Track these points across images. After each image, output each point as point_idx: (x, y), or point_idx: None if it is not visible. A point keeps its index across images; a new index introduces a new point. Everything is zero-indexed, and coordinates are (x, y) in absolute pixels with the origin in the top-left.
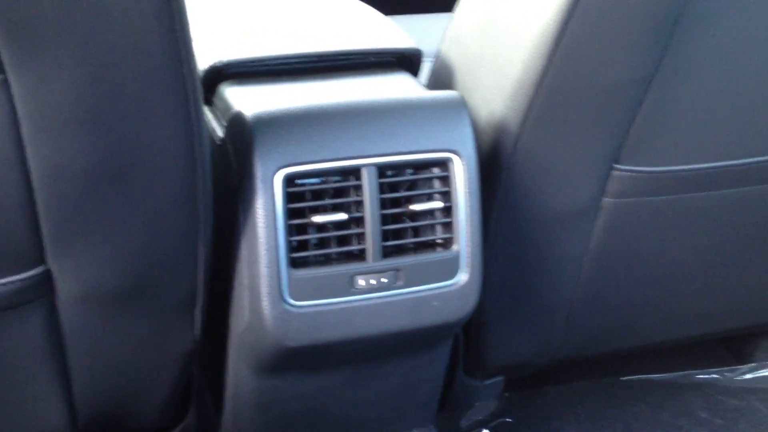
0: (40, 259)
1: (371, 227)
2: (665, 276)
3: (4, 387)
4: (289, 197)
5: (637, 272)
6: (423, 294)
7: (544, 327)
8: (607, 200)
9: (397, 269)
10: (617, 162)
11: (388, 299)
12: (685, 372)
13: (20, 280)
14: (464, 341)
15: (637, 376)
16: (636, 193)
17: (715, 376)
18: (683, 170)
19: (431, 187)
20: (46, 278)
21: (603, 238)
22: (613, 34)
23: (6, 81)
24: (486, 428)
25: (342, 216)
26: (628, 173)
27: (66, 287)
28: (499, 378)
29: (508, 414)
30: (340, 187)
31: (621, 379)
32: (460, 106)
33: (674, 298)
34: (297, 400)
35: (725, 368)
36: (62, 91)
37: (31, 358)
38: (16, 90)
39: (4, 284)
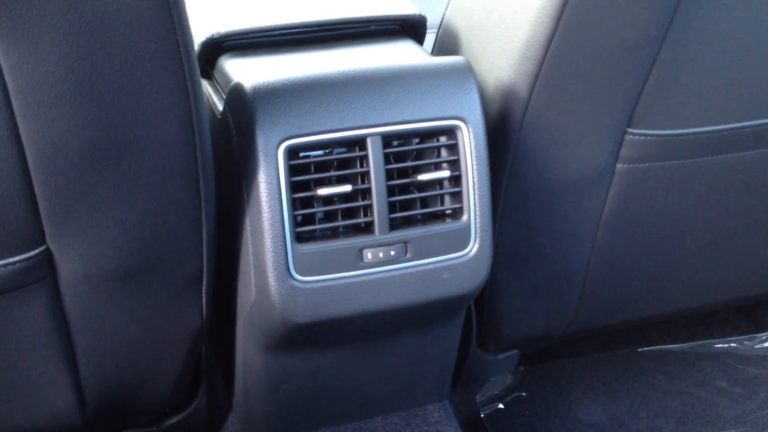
0: (40, 240)
1: (378, 199)
2: (681, 242)
3: (11, 370)
4: (293, 170)
5: (652, 239)
6: (433, 266)
7: (559, 298)
8: (620, 166)
9: (405, 241)
10: (630, 126)
11: (397, 272)
12: (703, 341)
13: (20, 261)
14: (477, 314)
15: (653, 347)
16: (650, 158)
17: (733, 344)
18: (697, 133)
19: (438, 156)
20: (47, 259)
21: (617, 205)
22: None
23: None
24: (501, 403)
25: (347, 188)
26: (642, 137)
27: (68, 267)
28: (513, 351)
29: (524, 388)
30: (344, 158)
31: (637, 350)
32: (467, 71)
33: (690, 265)
34: (307, 378)
35: (744, 336)
36: (52, 64)
37: (36, 341)
38: (5, 63)
39: (4, 265)
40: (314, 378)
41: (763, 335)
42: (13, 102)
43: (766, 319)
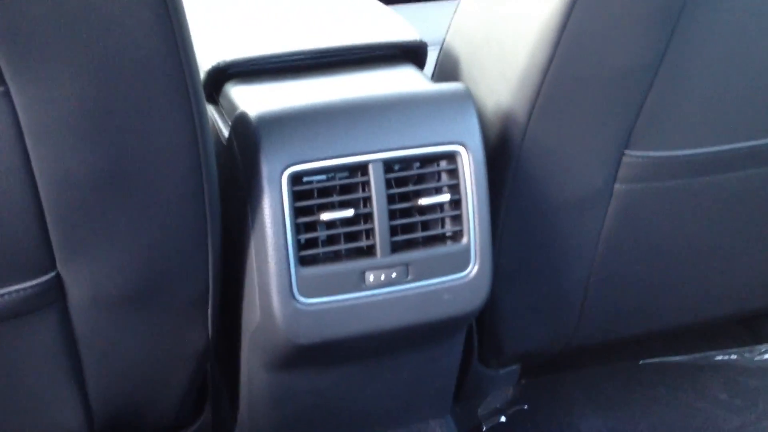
0: (51, 265)
1: (379, 222)
2: (679, 260)
3: (20, 391)
4: (297, 195)
5: (651, 257)
6: (433, 287)
7: (559, 315)
8: (618, 186)
9: (406, 263)
10: (628, 147)
11: (399, 294)
12: (704, 353)
13: (32, 287)
14: (478, 331)
15: (654, 359)
16: (648, 178)
17: (733, 356)
18: (695, 154)
19: (439, 180)
20: (57, 284)
21: (616, 224)
22: (618, 21)
23: (8, 92)
24: (503, 416)
25: (350, 212)
26: (640, 159)
27: (77, 292)
28: (514, 366)
29: (525, 401)
30: (347, 183)
31: (638, 362)
32: (466, 97)
33: (689, 282)
34: (311, 396)
35: (744, 348)
36: (64, 101)
37: (46, 362)
38: (18, 101)
39: (16, 291)
40: (318, 396)
41: (763, 347)
42: (26, 137)
43: (766, 331)
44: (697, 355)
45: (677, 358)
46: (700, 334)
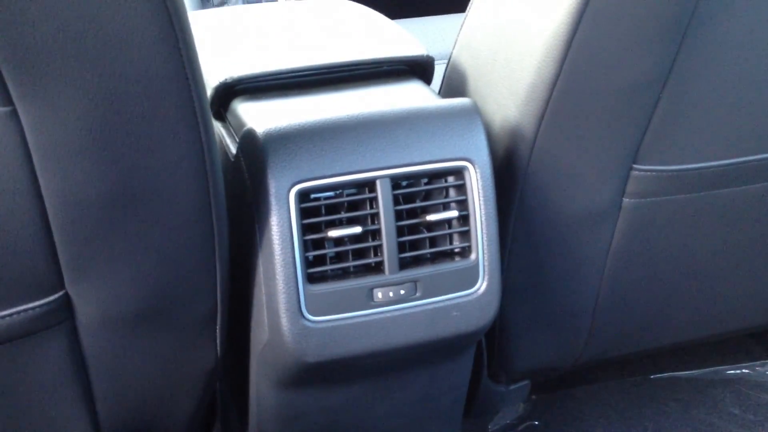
0: (59, 285)
1: (387, 239)
2: (689, 274)
3: (29, 410)
4: (304, 212)
5: (660, 272)
6: (442, 304)
7: (568, 331)
8: (627, 201)
9: (415, 280)
10: (636, 162)
11: (407, 311)
12: (715, 368)
13: (40, 306)
14: (487, 347)
15: (665, 374)
16: (656, 193)
17: (745, 370)
18: (703, 168)
19: (447, 196)
20: (66, 303)
21: (624, 239)
22: (625, 37)
23: (15, 112)
24: None
25: (357, 229)
26: (648, 173)
27: (85, 311)
28: (524, 382)
29: (536, 417)
30: (354, 200)
31: (649, 377)
32: (473, 113)
33: (699, 296)
34: (320, 414)
35: (755, 363)
36: (71, 121)
37: (55, 381)
38: (25, 121)
39: (25, 310)
40: (327, 414)
41: None
42: (34, 157)
43: None
44: (709, 370)
45: (688, 373)
46: (711, 349)
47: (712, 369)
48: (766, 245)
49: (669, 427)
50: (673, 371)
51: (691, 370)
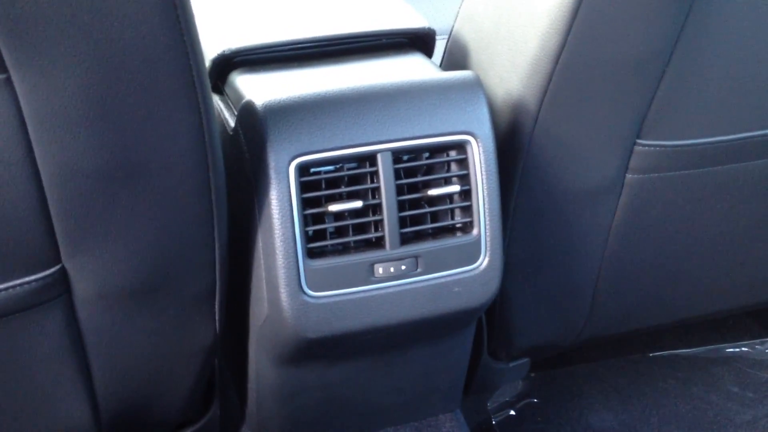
0: (56, 259)
1: (388, 214)
2: (691, 251)
3: (27, 386)
4: (304, 186)
5: (662, 248)
6: (443, 280)
7: (569, 308)
8: (630, 176)
9: (416, 256)
10: (639, 137)
11: (408, 287)
12: (714, 346)
13: (36, 280)
14: (487, 324)
15: (665, 352)
16: (660, 168)
17: (744, 349)
18: (707, 143)
19: (448, 170)
20: (63, 277)
21: (627, 214)
22: (630, 8)
23: (9, 80)
24: (512, 409)
25: (358, 204)
26: (652, 148)
27: (83, 285)
28: (524, 360)
29: (535, 394)
30: (355, 174)
31: (649, 355)
32: (476, 86)
33: (701, 273)
34: (319, 390)
35: (755, 341)
36: (66, 90)
37: (52, 357)
38: (20, 89)
39: (21, 284)
40: (326, 390)
41: None
42: (29, 127)
43: None
44: (708, 348)
45: (688, 351)
46: (711, 327)
47: (711, 347)
48: (766, 222)
49: (668, 404)
50: (672, 349)
51: (691, 348)
